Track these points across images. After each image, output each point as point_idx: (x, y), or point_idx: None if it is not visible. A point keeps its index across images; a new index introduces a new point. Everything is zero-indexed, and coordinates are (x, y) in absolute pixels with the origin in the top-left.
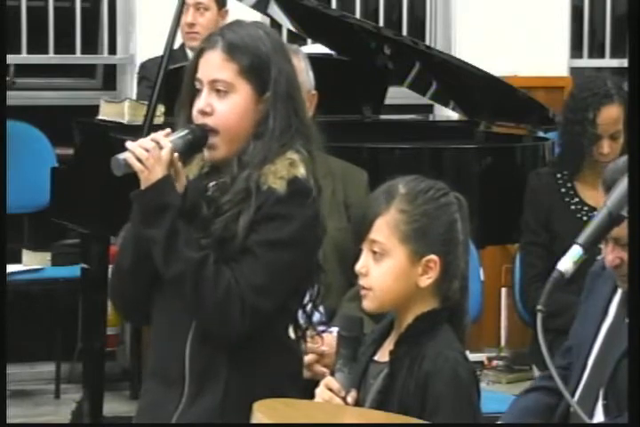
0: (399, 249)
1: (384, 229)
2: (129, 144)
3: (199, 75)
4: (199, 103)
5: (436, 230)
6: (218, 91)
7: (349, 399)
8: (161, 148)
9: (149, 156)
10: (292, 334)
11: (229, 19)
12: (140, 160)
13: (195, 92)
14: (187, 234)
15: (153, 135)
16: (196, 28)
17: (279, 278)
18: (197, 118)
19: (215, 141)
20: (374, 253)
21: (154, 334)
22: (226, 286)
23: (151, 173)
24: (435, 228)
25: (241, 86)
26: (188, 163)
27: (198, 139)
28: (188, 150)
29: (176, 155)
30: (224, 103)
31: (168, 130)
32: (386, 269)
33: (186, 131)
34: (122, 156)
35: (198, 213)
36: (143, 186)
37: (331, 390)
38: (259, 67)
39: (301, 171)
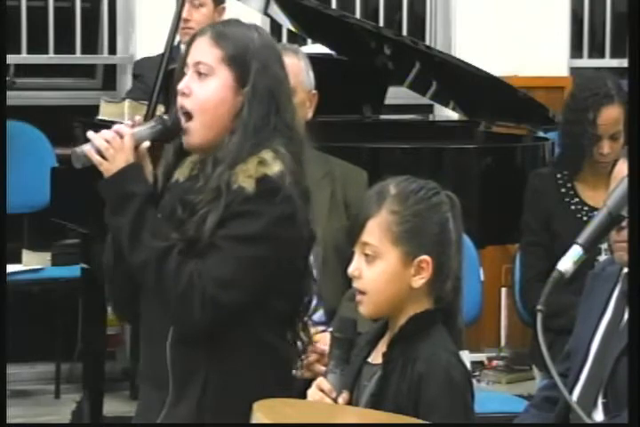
0: (391, 251)
1: (375, 231)
2: (90, 135)
3: (187, 60)
4: (180, 84)
5: (428, 231)
6: (199, 74)
7: (340, 401)
8: (121, 137)
9: (109, 146)
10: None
11: (227, 17)
12: (99, 151)
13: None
14: (153, 223)
15: (116, 126)
16: (190, 24)
17: (245, 273)
18: (178, 99)
19: (190, 126)
20: (366, 255)
21: (142, 337)
22: (188, 277)
23: (112, 164)
24: (427, 228)
25: (222, 72)
26: (179, 166)
27: (167, 129)
28: (157, 140)
29: (145, 145)
30: (202, 86)
31: (137, 118)
32: (378, 271)
33: (154, 122)
34: (81, 147)
35: (175, 215)
36: (106, 176)
37: (322, 391)
38: (242, 59)
39: (274, 169)
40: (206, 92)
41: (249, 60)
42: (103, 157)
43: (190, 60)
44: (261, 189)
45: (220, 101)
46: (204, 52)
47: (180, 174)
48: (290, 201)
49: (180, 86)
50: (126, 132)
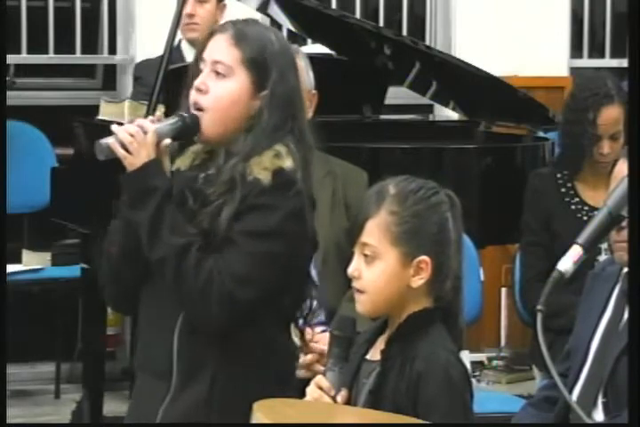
0: (390, 251)
1: (375, 232)
2: (114, 128)
3: (204, 55)
4: (196, 80)
5: (428, 231)
6: (217, 73)
7: (339, 399)
8: (145, 132)
9: (133, 140)
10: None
11: (227, 17)
12: (123, 145)
13: (199, 73)
14: (173, 219)
15: (139, 120)
16: (195, 19)
17: (261, 269)
18: (192, 95)
19: (202, 119)
20: (365, 256)
21: (142, 326)
22: (207, 274)
23: (136, 158)
24: (426, 228)
25: (240, 74)
26: (181, 154)
27: (188, 127)
28: (177, 138)
29: (166, 142)
30: (219, 85)
31: (158, 114)
32: (378, 271)
33: (175, 119)
34: (105, 140)
35: (185, 205)
36: (129, 170)
37: (321, 388)
38: (261, 63)
39: (287, 163)
40: (223, 91)
41: (268, 65)
42: (127, 150)
43: (208, 56)
44: (277, 182)
45: (235, 102)
46: (222, 50)
47: (182, 163)
48: (301, 195)
49: (197, 83)
50: (150, 127)
